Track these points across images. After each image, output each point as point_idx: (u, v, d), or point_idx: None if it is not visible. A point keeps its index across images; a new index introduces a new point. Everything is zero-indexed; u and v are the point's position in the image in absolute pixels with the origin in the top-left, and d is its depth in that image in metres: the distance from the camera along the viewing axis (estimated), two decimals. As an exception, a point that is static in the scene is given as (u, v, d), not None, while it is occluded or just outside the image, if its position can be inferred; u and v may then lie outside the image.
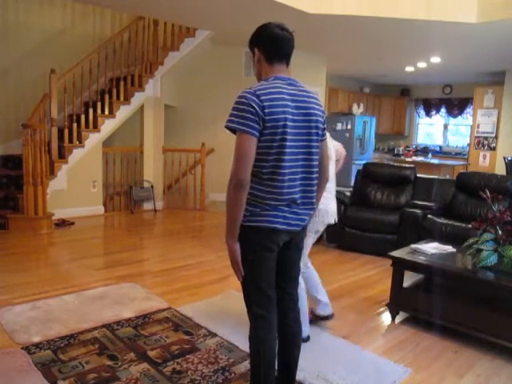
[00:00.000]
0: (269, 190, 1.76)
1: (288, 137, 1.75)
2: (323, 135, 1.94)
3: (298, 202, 1.83)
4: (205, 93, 7.29)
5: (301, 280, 2.71)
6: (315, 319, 3.03)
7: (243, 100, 1.70)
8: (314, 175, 1.88)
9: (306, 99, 1.82)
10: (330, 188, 2.85)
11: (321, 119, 1.88)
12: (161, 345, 2.70)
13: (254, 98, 1.69)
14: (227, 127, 1.72)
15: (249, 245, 1.84)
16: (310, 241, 2.85)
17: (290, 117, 1.75)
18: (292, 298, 2.02)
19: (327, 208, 2.85)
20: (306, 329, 2.77)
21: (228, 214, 1.76)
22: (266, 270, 1.85)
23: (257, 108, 1.68)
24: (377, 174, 5.37)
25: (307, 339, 2.77)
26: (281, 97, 1.74)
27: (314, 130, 1.83)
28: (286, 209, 1.80)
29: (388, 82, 11.11)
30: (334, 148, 2.98)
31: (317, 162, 1.89)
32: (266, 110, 1.69)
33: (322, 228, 2.91)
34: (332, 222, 2.92)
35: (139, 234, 5.64)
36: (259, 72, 1.88)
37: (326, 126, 1.96)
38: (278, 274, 1.92)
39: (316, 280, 2.99)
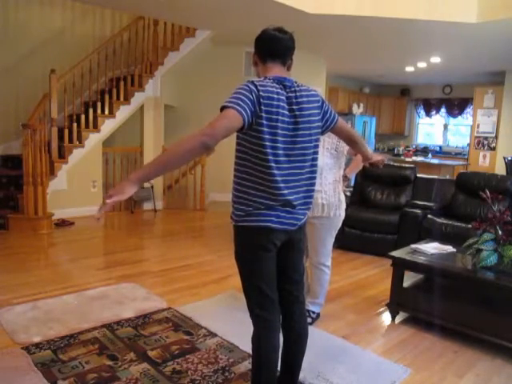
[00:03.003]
0: (262, 189, 1.76)
1: (280, 138, 1.75)
2: (333, 119, 1.96)
3: (294, 203, 1.82)
4: (205, 93, 7.28)
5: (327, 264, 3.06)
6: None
7: (244, 87, 1.71)
8: (310, 175, 1.88)
9: (299, 100, 1.80)
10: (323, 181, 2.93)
11: (316, 117, 1.86)
12: (161, 345, 2.70)
13: (255, 89, 1.70)
14: (221, 107, 1.68)
15: (245, 245, 1.84)
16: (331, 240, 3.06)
17: (286, 119, 1.75)
18: (298, 301, 2.00)
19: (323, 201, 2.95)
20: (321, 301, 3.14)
21: (167, 158, 1.63)
22: (265, 270, 1.84)
23: (255, 98, 1.69)
24: (377, 173, 5.37)
25: (317, 317, 3.13)
26: (277, 97, 1.74)
27: (307, 132, 1.82)
28: (280, 208, 1.80)
29: (388, 82, 11.11)
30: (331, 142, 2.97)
31: (311, 162, 1.88)
32: (263, 108, 1.70)
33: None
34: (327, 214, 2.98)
35: (139, 234, 5.63)
36: (258, 74, 1.92)
37: (329, 110, 1.94)
38: (282, 276, 1.92)
39: (327, 281, 3.12)
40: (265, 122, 1.71)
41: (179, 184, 7.26)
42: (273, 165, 1.74)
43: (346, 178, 3.10)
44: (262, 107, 1.69)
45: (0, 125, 6.03)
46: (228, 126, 1.64)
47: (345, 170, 3.11)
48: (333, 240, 3.09)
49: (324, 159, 2.89)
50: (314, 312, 3.12)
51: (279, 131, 1.74)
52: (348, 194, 5.28)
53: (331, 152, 2.93)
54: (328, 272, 3.09)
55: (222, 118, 1.64)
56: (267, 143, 1.73)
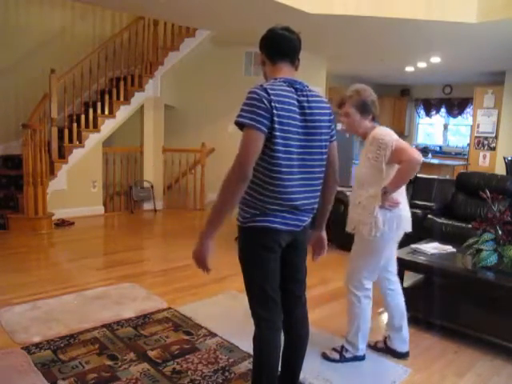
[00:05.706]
0: (270, 194, 1.75)
1: (293, 142, 1.73)
2: (332, 136, 1.93)
3: (302, 208, 1.82)
4: (205, 93, 7.28)
5: (394, 277, 2.66)
6: (386, 350, 2.73)
7: (254, 96, 1.68)
8: (317, 181, 1.88)
9: (311, 105, 1.79)
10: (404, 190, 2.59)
11: (326, 124, 1.85)
12: (161, 345, 2.70)
13: (265, 95, 1.67)
14: (237, 122, 1.68)
15: (250, 245, 1.84)
16: (389, 253, 2.58)
17: (297, 123, 1.74)
18: (300, 301, 2.01)
19: (408, 214, 2.60)
20: (405, 344, 2.67)
21: (221, 206, 1.69)
22: (269, 271, 1.84)
23: (267, 104, 1.66)
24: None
25: (406, 355, 2.66)
26: (288, 101, 1.72)
27: (317, 137, 1.82)
28: (287, 210, 1.80)
29: (388, 81, 11.10)
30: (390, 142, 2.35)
31: (320, 169, 1.87)
32: (275, 112, 1.67)
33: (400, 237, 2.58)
34: (410, 229, 2.56)
35: (139, 234, 5.63)
36: (265, 74, 1.90)
37: (333, 125, 1.93)
38: (285, 276, 1.91)
39: (359, 315, 2.60)
40: (277, 126, 1.68)
41: (179, 184, 7.26)
42: (284, 169, 1.73)
43: (385, 193, 2.42)
44: (274, 111, 1.67)
45: (0, 125, 6.03)
46: (255, 150, 1.66)
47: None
48: (366, 264, 2.54)
49: (362, 170, 2.49)
50: (347, 350, 2.61)
51: (291, 135, 1.72)
52: (348, 193, 5.27)
53: (371, 162, 2.41)
54: (356, 303, 2.58)
55: (247, 145, 1.66)
56: (280, 147, 1.71)
